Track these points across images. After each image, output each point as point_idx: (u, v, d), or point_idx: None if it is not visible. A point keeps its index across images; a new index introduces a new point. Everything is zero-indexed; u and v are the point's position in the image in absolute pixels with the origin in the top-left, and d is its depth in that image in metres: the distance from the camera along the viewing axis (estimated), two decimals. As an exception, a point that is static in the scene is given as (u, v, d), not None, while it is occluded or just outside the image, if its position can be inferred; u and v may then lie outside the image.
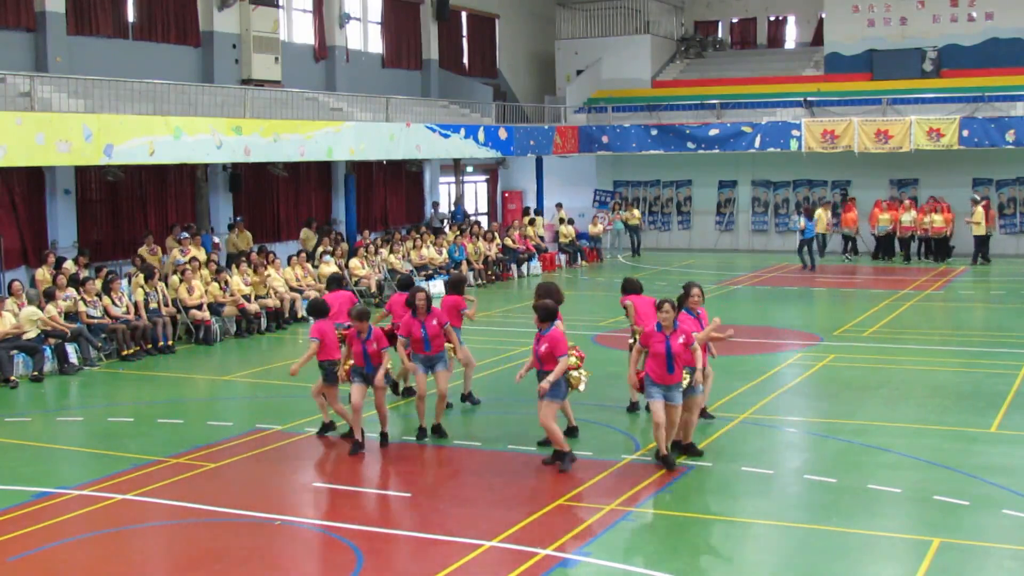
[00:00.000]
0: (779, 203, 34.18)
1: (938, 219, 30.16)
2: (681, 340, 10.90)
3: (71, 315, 17.69)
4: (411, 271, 24.61)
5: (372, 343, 11.89)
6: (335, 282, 14.68)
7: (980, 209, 29.17)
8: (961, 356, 17.47)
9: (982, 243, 29.40)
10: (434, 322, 12.28)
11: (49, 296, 17.29)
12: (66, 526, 9.92)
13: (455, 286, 13.90)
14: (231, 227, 24.34)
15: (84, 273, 18.85)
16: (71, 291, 17.80)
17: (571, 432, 12.18)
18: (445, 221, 31.25)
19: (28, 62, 21.11)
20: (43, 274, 18.70)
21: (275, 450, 12.34)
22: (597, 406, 12.54)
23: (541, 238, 31.27)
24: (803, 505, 10.33)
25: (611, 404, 13.73)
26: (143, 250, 21.16)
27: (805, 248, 29.07)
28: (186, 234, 21.83)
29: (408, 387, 14.37)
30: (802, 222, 29.31)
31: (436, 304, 13.02)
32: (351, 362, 12.08)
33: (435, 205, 32.48)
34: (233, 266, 21.25)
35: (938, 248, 30.38)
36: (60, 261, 19.26)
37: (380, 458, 12.11)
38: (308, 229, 25.86)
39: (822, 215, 31.23)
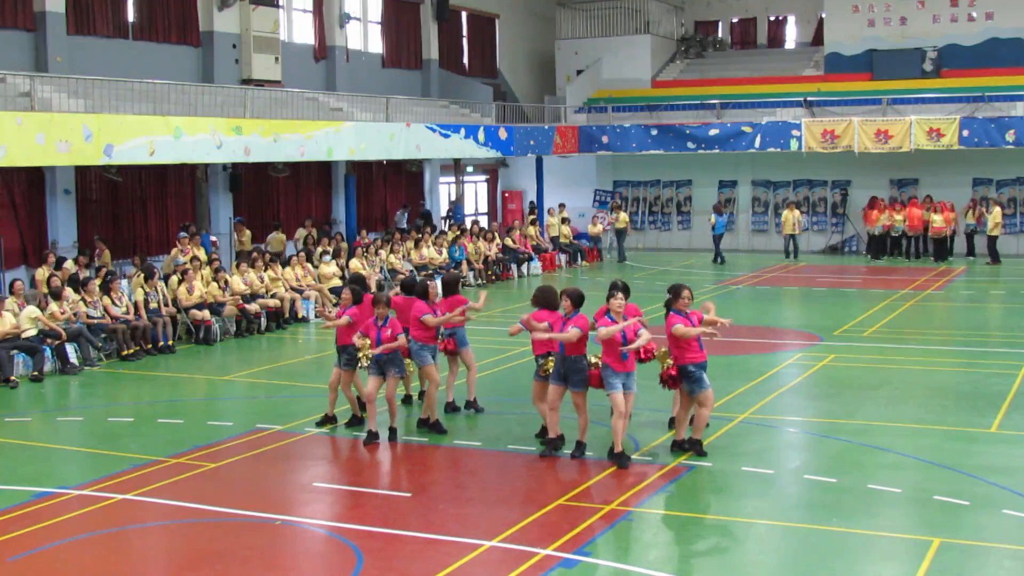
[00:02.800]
0: (779, 203, 34.14)
1: (938, 219, 30.15)
2: (631, 325, 11.29)
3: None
4: (411, 271, 24.62)
5: (387, 330, 12.30)
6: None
7: (998, 209, 29.26)
8: (961, 356, 17.47)
9: (994, 243, 29.36)
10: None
11: (56, 295, 17.28)
12: (66, 526, 9.91)
13: (449, 286, 13.84)
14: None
15: (84, 273, 18.84)
16: (69, 291, 17.76)
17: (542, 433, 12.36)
18: (407, 223, 30.11)
19: (28, 62, 21.12)
20: (43, 274, 18.69)
21: (275, 450, 12.35)
22: (597, 406, 12.53)
23: (548, 239, 31.28)
24: (803, 505, 10.33)
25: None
26: (175, 251, 21.16)
27: (718, 243, 31.05)
28: (184, 234, 21.83)
29: (421, 391, 14.26)
30: (712, 218, 31.27)
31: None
32: (369, 353, 12.34)
33: (404, 206, 31.34)
34: (233, 266, 21.26)
35: (938, 248, 30.37)
36: (60, 261, 19.27)
37: (381, 458, 12.14)
38: (303, 228, 25.63)
39: (788, 216, 31.36)
